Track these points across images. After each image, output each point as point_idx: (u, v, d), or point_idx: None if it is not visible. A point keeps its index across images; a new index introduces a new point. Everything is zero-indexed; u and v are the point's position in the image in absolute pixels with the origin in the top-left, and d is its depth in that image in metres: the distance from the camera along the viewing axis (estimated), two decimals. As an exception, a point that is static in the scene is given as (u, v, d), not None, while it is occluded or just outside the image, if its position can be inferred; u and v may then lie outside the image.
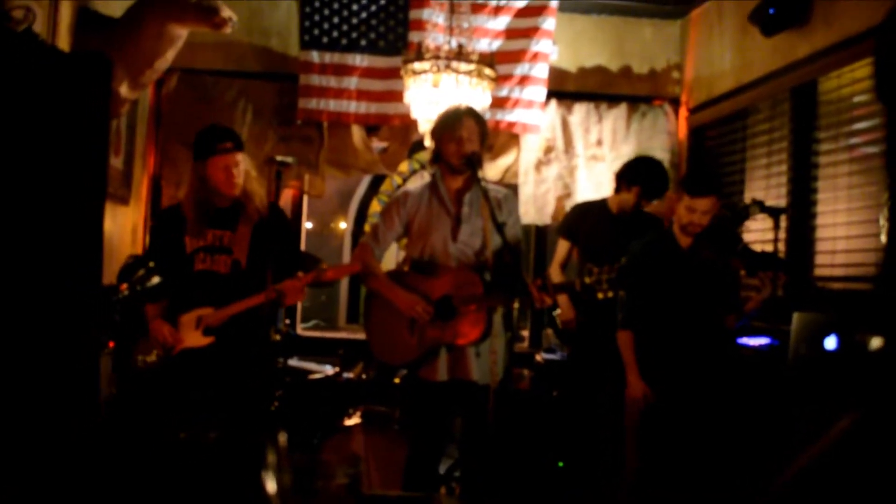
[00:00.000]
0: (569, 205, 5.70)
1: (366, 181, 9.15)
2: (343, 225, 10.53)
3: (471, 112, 3.67)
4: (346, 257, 9.73)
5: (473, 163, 3.56)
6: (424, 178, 5.99)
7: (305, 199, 6.11)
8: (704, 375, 3.87)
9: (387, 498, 2.70)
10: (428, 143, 3.88)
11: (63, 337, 2.73)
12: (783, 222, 4.27)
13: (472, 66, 4.64)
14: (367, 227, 7.59)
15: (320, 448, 4.19)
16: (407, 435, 3.94)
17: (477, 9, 5.51)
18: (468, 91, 4.64)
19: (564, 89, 5.96)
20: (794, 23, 4.45)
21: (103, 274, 3.03)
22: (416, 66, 4.70)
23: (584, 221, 4.88)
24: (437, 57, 4.65)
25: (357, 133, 5.73)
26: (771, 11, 4.50)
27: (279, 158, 3.60)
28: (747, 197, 5.09)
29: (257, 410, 3.75)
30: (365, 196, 9.35)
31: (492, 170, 5.81)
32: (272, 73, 5.80)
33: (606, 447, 4.48)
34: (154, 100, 5.71)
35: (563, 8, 5.75)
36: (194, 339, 3.66)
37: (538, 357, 5.38)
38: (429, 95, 4.68)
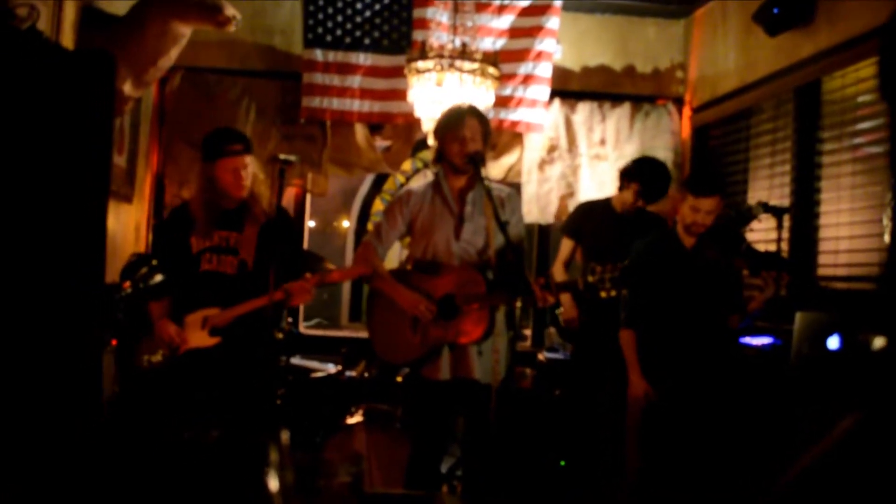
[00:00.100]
0: (572, 204, 5.70)
1: (369, 180, 9.15)
2: (346, 224, 10.54)
3: (473, 111, 3.67)
4: (349, 256, 9.73)
5: (476, 162, 3.56)
6: (428, 176, 5.98)
7: (309, 197, 6.11)
8: (707, 375, 3.87)
9: (389, 496, 2.70)
10: (431, 142, 3.88)
11: (66, 335, 2.73)
12: (786, 222, 4.26)
13: (475, 65, 4.64)
14: (370, 226, 7.59)
15: (322, 446, 4.19)
16: (409, 434, 3.94)
17: (481, 8, 5.50)
18: (472, 90, 4.63)
19: (568, 88, 5.95)
20: (798, 22, 4.45)
21: (106, 272, 3.03)
22: (420, 64, 4.70)
23: (588, 220, 4.88)
24: (440, 56, 4.64)
25: (360, 132, 5.73)
26: (775, 11, 4.49)
27: (282, 157, 3.59)
28: (751, 196, 5.09)
29: (261, 410, 3.75)
30: (368, 195, 9.35)
31: (495, 169, 5.81)
32: (276, 71, 5.80)
33: (607, 446, 4.48)
34: (157, 98, 5.71)
35: (566, 7, 5.75)
36: (200, 339, 3.67)
37: (540, 356, 5.38)
38: (432, 94, 4.68)
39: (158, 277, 3.23)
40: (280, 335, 4.39)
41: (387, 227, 3.77)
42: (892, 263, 3.72)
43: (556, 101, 5.86)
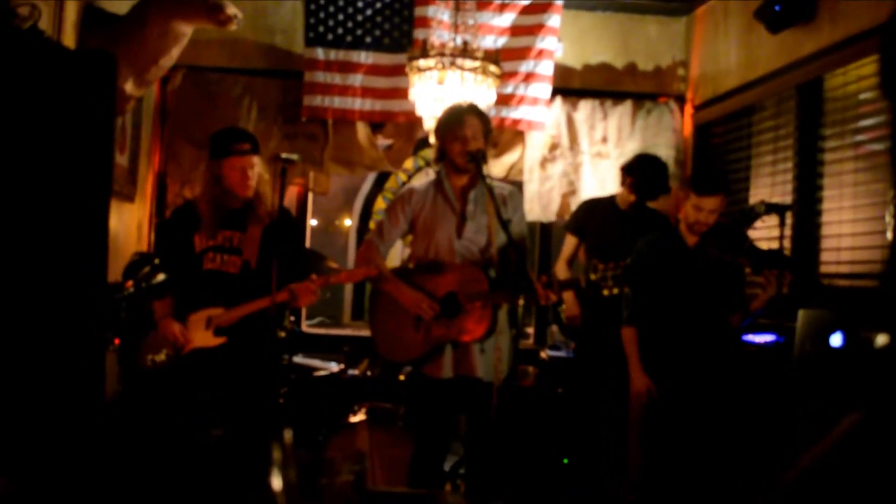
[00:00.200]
0: (574, 202, 5.70)
1: (371, 178, 9.16)
2: (348, 222, 10.55)
3: (473, 109, 3.67)
4: (352, 255, 9.75)
5: (478, 160, 3.56)
6: (429, 175, 5.99)
7: (310, 196, 6.11)
8: (708, 373, 3.87)
9: (391, 495, 2.71)
10: (432, 140, 3.88)
11: (68, 334, 2.74)
12: (789, 220, 4.26)
13: (477, 63, 4.64)
14: (371, 225, 7.61)
15: (325, 445, 4.20)
16: (412, 432, 3.94)
17: (482, 6, 5.50)
18: (473, 88, 4.63)
19: (569, 86, 5.94)
20: (800, 20, 4.44)
21: (109, 271, 3.03)
22: (421, 63, 4.70)
23: (592, 217, 4.89)
24: (441, 54, 4.64)
25: (362, 130, 5.73)
26: (777, 8, 4.49)
27: (284, 156, 3.60)
28: (753, 194, 5.09)
29: (264, 408, 3.75)
30: (370, 193, 9.37)
31: (497, 167, 5.80)
32: (277, 70, 5.80)
33: (610, 444, 4.48)
34: (159, 97, 5.72)
35: (568, 5, 5.74)
36: (204, 338, 3.67)
37: (543, 354, 5.38)
38: (434, 92, 4.68)
39: (161, 276, 3.23)
40: (283, 334, 4.39)
41: (389, 225, 3.77)
42: (894, 260, 3.71)
43: (558, 99, 5.85)
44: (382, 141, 5.86)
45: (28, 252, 2.68)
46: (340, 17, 5.61)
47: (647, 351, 3.96)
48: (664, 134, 5.88)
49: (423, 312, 3.55)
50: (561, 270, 4.90)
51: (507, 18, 5.67)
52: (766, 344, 4.07)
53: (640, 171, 4.69)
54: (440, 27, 5.39)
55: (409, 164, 6.51)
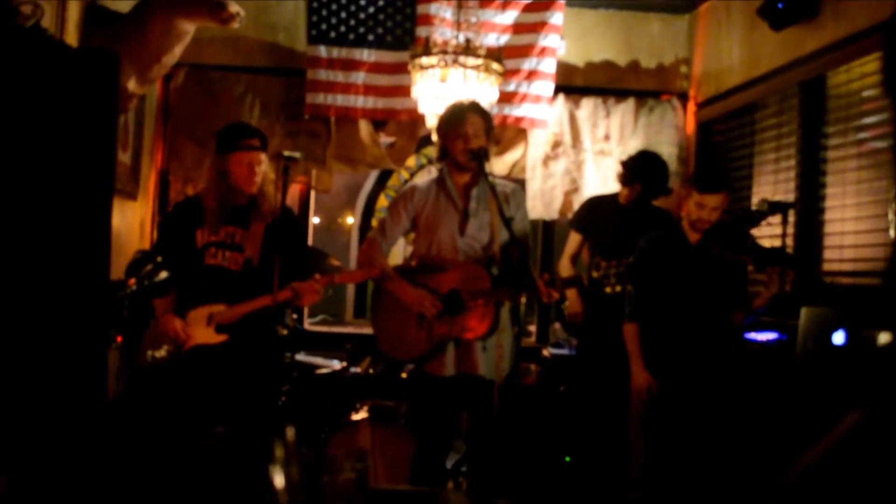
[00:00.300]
0: (576, 200, 5.70)
1: (373, 176, 9.17)
2: (350, 220, 10.55)
3: (475, 107, 3.67)
4: (354, 252, 9.75)
5: (480, 158, 3.56)
6: (432, 172, 5.98)
7: (313, 194, 6.11)
8: (711, 371, 3.87)
9: (394, 493, 2.70)
10: (435, 138, 3.88)
11: (70, 332, 2.74)
12: (791, 217, 4.26)
13: (479, 61, 4.63)
14: (374, 223, 7.61)
15: (327, 443, 4.20)
16: (414, 430, 3.95)
17: (485, 3, 5.50)
18: (476, 86, 4.63)
19: (572, 84, 5.94)
20: (803, 17, 4.44)
21: (111, 269, 3.03)
22: (424, 60, 4.69)
23: (595, 215, 4.88)
24: (444, 52, 4.64)
25: (364, 128, 5.73)
26: (779, 6, 4.48)
27: (286, 153, 3.60)
28: (755, 191, 5.08)
29: (265, 406, 3.75)
30: (372, 191, 9.37)
31: (499, 165, 5.80)
32: (279, 68, 5.80)
33: (612, 442, 4.48)
34: (162, 95, 5.72)
35: (570, 3, 5.74)
36: (205, 335, 3.66)
37: (545, 352, 5.38)
38: (436, 90, 4.68)
39: (163, 274, 3.23)
40: (285, 331, 4.39)
41: (391, 223, 3.77)
42: (897, 258, 3.71)
43: (560, 97, 5.85)
44: (385, 139, 5.86)
45: (30, 250, 2.68)
46: (343, 14, 5.61)
47: (650, 348, 3.96)
48: (667, 131, 5.88)
49: (426, 310, 3.55)
50: (564, 267, 4.90)
51: (509, 16, 5.66)
52: (769, 342, 4.06)
53: (635, 167, 4.68)
54: (443, 25, 5.39)
55: (411, 161, 6.51)
